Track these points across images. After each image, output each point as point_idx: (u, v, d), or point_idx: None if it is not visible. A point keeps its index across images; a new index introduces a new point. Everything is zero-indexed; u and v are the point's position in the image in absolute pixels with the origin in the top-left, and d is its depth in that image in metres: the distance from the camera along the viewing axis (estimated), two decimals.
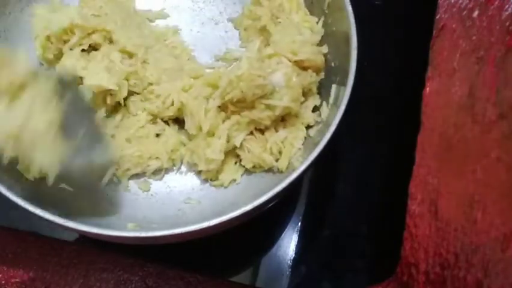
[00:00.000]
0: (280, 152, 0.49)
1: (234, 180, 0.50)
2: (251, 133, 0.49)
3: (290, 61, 0.48)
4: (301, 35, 0.50)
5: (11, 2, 0.52)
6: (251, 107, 0.47)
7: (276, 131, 0.49)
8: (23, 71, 0.42)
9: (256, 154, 0.48)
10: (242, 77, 0.45)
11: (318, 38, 0.50)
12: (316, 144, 0.43)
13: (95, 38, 0.52)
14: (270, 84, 0.46)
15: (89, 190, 0.49)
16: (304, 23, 0.51)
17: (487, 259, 0.37)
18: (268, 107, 0.47)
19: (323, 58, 0.50)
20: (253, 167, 0.49)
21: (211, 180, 0.51)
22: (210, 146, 0.48)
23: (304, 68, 0.49)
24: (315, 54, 0.49)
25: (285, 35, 0.50)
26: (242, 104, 0.47)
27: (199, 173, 0.51)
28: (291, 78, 0.47)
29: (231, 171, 0.50)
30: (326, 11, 0.50)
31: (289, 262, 0.54)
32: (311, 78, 0.49)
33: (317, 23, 0.51)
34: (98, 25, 0.51)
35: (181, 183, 0.51)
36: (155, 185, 0.51)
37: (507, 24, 0.42)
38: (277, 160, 0.49)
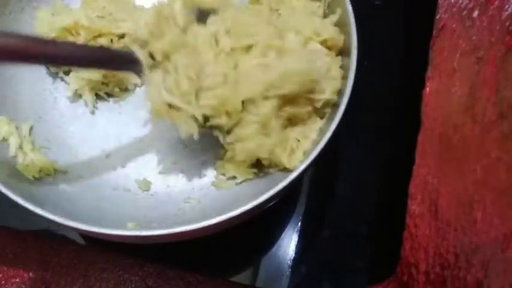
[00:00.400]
0: (292, 149, 0.46)
1: (234, 177, 0.49)
2: None
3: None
4: (315, 16, 0.49)
5: (11, 2, 0.52)
6: (292, 101, 0.45)
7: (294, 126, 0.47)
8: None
9: (276, 153, 0.46)
10: (299, 72, 0.43)
11: (334, 18, 0.48)
12: (316, 144, 0.43)
13: (102, 42, 0.52)
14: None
15: (89, 190, 0.50)
16: (307, 9, 0.50)
17: (487, 259, 0.37)
18: (310, 100, 0.45)
19: (344, 37, 0.48)
20: (269, 165, 0.48)
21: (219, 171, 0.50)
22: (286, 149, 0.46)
23: (328, 49, 0.48)
24: (337, 33, 0.47)
25: (299, 19, 0.48)
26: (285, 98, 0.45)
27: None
28: (332, 67, 0.46)
29: (242, 171, 0.49)
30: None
31: (289, 262, 0.54)
32: (338, 62, 0.47)
33: (318, 6, 0.50)
34: (103, 27, 0.51)
35: (181, 183, 0.51)
36: (155, 185, 0.51)
37: (507, 24, 0.42)
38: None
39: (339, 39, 0.47)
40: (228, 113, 0.44)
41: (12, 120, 0.49)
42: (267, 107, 0.44)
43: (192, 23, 0.45)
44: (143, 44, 0.44)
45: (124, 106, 0.55)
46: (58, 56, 0.39)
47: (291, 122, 0.47)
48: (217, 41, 0.44)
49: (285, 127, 0.47)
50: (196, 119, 0.43)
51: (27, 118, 0.51)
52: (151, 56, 0.44)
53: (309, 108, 0.46)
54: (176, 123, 0.44)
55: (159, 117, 0.44)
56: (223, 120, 0.44)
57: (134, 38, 0.45)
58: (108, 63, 0.44)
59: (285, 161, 0.46)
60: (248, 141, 0.45)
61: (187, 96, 0.43)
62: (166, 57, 0.44)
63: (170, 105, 0.43)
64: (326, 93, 0.45)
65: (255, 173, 0.49)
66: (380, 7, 0.66)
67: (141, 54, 0.44)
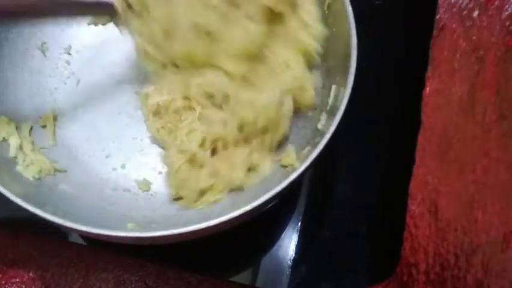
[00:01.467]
0: (251, 168, 0.48)
1: (219, 199, 0.48)
2: (213, 153, 0.49)
3: None
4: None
5: None
6: None
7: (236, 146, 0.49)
8: None
9: (225, 175, 0.47)
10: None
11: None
12: (316, 145, 0.43)
13: None
14: None
15: (89, 190, 0.49)
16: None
17: (487, 259, 0.37)
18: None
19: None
20: (222, 190, 0.48)
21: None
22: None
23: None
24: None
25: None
26: None
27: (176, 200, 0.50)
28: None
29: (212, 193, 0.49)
30: (326, 11, 0.50)
31: (289, 262, 0.54)
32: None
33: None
34: None
35: None
36: (155, 185, 0.51)
37: (507, 24, 0.42)
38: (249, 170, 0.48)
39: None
40: (193, 62, 0.46)
41: (12, 120, 0.49)
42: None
43: None
44: None
45: (123, 106, 0.55)
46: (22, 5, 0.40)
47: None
48: None
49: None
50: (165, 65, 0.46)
51: (27, 118, 0.51)
52: (129, 5, 0.46)
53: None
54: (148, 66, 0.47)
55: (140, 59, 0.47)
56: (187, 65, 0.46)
57: None
58: (78, 7, 0.45)
59: (236, 176, 0.47)
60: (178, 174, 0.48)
61: (159, 44, 0.45)
62: (143, 5, 0.45)
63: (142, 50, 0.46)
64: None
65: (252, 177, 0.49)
66: (380, 7, 0.66)
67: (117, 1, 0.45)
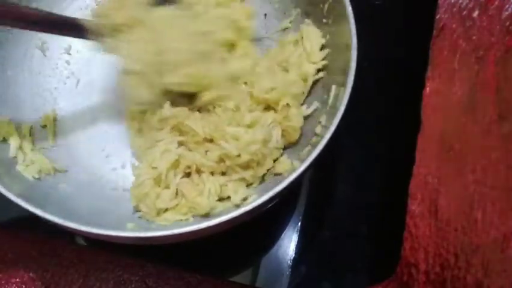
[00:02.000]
0: (222, 198, 0.47)
1: (181, 220, 0.47)
2: (187, 175, 0.48)
3: None
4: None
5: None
6: None
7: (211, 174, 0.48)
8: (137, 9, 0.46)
9: (189, 200, 0.46)
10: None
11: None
12: (316, 145, 0.43)
13: None
14: None
15: (89, 190, 0.49)
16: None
17: (487, 259, 0.37)
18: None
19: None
20: (187, 212, 0.47)
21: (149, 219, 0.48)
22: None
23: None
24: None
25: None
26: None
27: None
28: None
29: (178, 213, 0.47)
30: (326, 12, 0.50)
31: (289, 262, 0.54)
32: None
33: None
34: None
35: None
36: None
37: (507, 24, 0.42)
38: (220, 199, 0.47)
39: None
40: (199, 86, 0.47)
41: (12, 120, 0.49)
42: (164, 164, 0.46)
43: (153, 5, 0.47)
44: (103, 16, 0.46)
45: (124, 106, 0.55)
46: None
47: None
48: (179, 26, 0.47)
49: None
50: (154, 88, 0.46)
51: (27, 118, 0.51)
52: (111, 28, 0.46)
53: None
54: (134, 88, 0.46)
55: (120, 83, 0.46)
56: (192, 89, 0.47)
57: (95, 11, 0.46)
58: (52, 27, 0.45)
59: (204, 204, 0.46)
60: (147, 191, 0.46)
61: (149, 67, 0.45)
62: (128, 28, 0.45)
63: (129, 72, 0.46)
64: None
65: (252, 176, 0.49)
66: (380, 7, 0.66)
67: (97, 23, 0.45)
